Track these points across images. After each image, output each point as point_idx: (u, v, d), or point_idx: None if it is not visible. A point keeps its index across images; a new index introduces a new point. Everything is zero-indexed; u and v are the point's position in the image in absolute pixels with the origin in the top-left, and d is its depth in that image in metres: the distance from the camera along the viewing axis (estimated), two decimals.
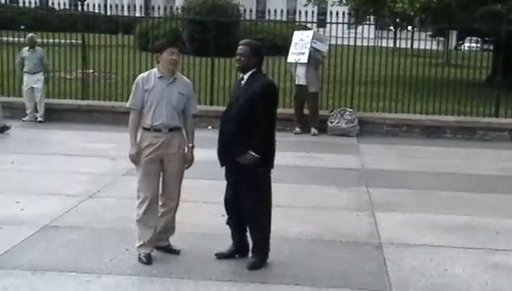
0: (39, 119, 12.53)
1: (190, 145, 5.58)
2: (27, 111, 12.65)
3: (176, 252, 5.59)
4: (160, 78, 5.38)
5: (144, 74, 5.50)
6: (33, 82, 12.55)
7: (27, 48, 12.77)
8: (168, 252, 5.57)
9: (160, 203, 5.53)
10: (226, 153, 5.31)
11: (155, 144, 5.38)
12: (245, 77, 5.28)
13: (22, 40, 13.81)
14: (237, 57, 5.30)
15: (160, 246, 5.59)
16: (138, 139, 5.44)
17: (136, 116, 5.42)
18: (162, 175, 5.49)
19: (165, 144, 5.40)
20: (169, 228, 5.61)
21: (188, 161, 5.57)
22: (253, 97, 5.14)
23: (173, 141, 5.45)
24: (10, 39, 13.91)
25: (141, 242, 5.43)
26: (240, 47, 5.29)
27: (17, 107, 12.80)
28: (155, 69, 5.47)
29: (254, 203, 5.25)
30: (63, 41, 13.91)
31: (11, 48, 13.74)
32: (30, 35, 13.00)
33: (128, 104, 5.48)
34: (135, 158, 5.40)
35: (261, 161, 5.16)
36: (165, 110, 5.36)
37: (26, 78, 12.66)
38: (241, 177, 5.27)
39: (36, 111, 12.65)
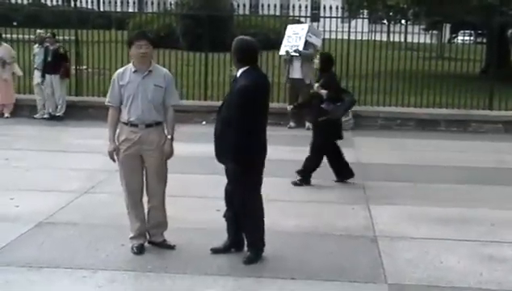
0: (45, 115, 12.49)
1: (169, 136, 5.43)
2: (38, 108, 12.62)
3: (171, 247, 5.58)
4: (135, 72, 5.32)
5: (121, 70, 5.46)
6: (39, 78, 12.48)
7: (37, 44, 12.74)
8: (163, 248, 5.56)
9: (147, 198, 5.54)
10: (216, 151, 5.29)
11: (132, 139, 5.33)
12: (237, 74, 5.22)
13: (14, 36, 13.77)
14: None
15: (155, 242, 5.59)
16: (116, 134, 5.40)
17: (114, 113, 5.38)
18: (145, 171, 5.47)
19: (143, 139, 5.33)
20: (160, 223, 5.60)
21: (167, 154, 5.42)
22: (232, 98, 5.13)
23: (151, 137, 5.35)
24: (3, 36, 13.82)
25: (132, 235, 5.48)
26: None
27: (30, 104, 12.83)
28: (131, 64, 5.41)
29: (240, 201, 5.26)
30: (56, 38, 13.84)
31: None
32: (38, 31, 12.98)
33: (106, 101, 5.45)
34: (112, 155, 5.38)
35: (238, 161, 5.11)
36: (141, 104, 5.29)
37: (34, 74, 12.66)
38: (226, 175, 5.30)
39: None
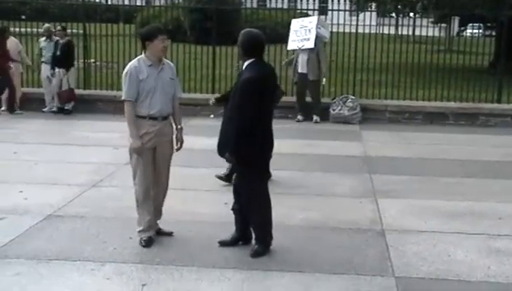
0: (53, 109, 12.54)
1: (179, 126, 5.59)
2: (46, 102, 12.66)
3: (169, 234, 5.66)
4: (150, 66, 5.33)
5: (135, 63, 5.37)
6: (49, 71, 12.53)
7: (44, 38, 12.77)
8: (161, 235, 5.63)
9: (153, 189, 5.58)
10: (219, 145, 5.28)
11: (151, 132, 5.37)
12: (243, 67, 5.21)
13: (23, 30, 13.80)
14: None
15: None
16: None
17: (131, 108, 5.34)
18: (155, 162, 5.50)
19: (160, 131, 5.41)
20: (160, 212, 5.69)
21: (180, 143, 5.59)
22: (236, 92, 5.12)
23: (165, 129, 5.49)
24: (11, 29, 13.87)
25: (141, 228, 5.51)
26: None
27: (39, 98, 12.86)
28: (143, 57, 5.38)
29: (246, 195, 5.27)
30: (66, 31, 13.87)
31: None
32: (46, 25, 13.01)
33: (123, 96, 5.36)
34: (140, 150, 5.35)
35: (242, 160, 5.12)
36: (160, 98, 5.35)
37: (43, 68, 12.69)
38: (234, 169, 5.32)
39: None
